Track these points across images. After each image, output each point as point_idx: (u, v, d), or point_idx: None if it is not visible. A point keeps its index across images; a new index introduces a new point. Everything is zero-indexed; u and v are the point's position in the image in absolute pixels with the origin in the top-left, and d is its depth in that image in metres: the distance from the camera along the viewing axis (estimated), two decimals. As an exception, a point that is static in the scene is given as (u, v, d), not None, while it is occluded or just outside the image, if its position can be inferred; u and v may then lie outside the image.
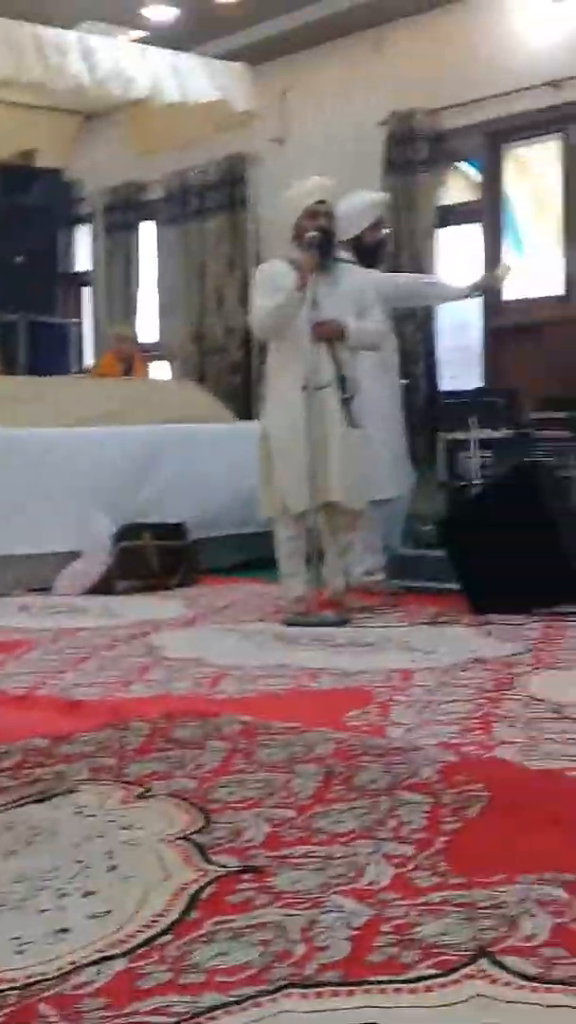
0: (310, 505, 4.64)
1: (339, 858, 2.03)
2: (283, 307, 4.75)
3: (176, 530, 6.03)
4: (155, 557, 5.89)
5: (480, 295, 5.98)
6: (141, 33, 8.27)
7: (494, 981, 1.57)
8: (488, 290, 5.99)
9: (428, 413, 7.64)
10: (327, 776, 2.51)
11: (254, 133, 8.05)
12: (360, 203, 5.40)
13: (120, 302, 10.08)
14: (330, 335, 4.76)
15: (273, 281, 4.87)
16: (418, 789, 2.40)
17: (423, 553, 5.45)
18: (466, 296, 5.75)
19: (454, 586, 4.86)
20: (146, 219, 10.12)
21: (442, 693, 3.33)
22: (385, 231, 5.68)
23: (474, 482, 5.44)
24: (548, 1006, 1.51)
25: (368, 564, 5.35)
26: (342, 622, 4.63)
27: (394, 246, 7.81)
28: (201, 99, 7.39)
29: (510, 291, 7.70)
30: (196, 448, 6.55)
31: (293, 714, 3.08)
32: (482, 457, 5.51)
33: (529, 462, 5.14)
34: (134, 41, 7.82)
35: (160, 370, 9.78)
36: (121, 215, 10.10)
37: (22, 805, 2.37)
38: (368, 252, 5.38)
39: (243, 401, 8.61)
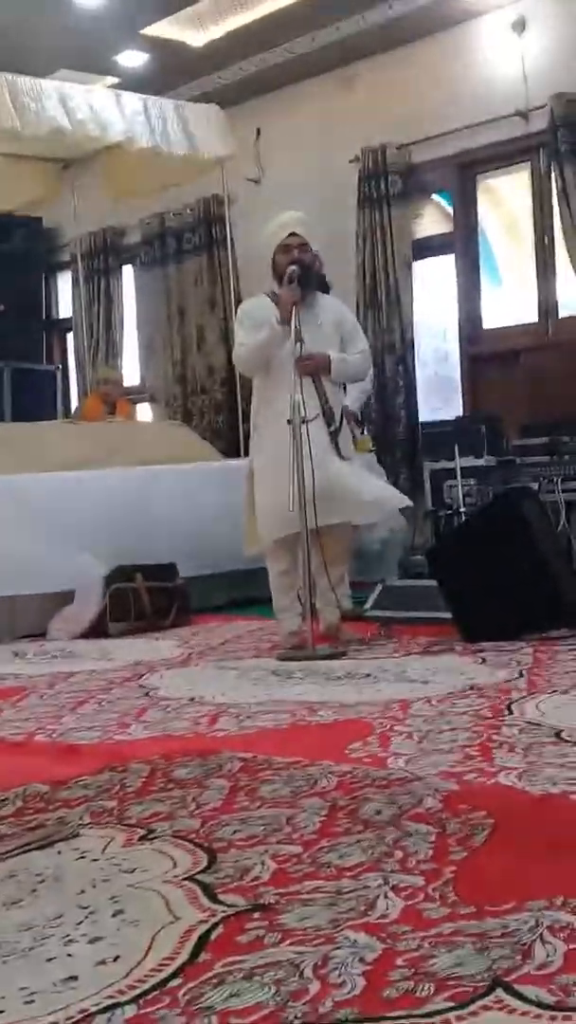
0: (289, 531, 4.63)
1: (348, 892, 2.00)
2: (266, 342, 4.76)
3: (167, 570, 6.03)
4: (147, 598, 5.89)
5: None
6: (114, 80, 8.36)
7: (512, 1011, 1.55)
8: None
9: (410, 443, 7.69)
10: (331, 809, 2.48)
11: (230, 173, 8.12)
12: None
13: (103, 346, 10.12)
14: (315, 370, 4.76)
15: (254, 317, 4.90)
16: (423, 819, 2.37)
17: (413, 583, 5.45)
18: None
19: (445, 615, 4.85)
20: (126, 263, 10.19)
21: (441, 721, 3.32)
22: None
23: (460, 510, 5.45)
24: (567, 1033, 1.49)
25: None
26: (338, 655, 4.62)
27: (371, 280, 7.90)
28: (175, 145, 7.45)
29: (488, 319, 7.76)
30: (185, 487, 6.56)
31: (293, 749, 3.06)
32: (466, 485, 5.51)
33: (513, 488, 5.15)
34: (108, 88, 7.89)
35: (144, 412, 9.81)
36: (101, 260, 10.17)
37: (24, 852, 2.34)
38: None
39: (229, 439, 8.63)
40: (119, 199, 8.73)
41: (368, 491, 4.86)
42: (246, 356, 4.91)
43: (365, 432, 5.77)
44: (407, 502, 5.13)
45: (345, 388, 5.46)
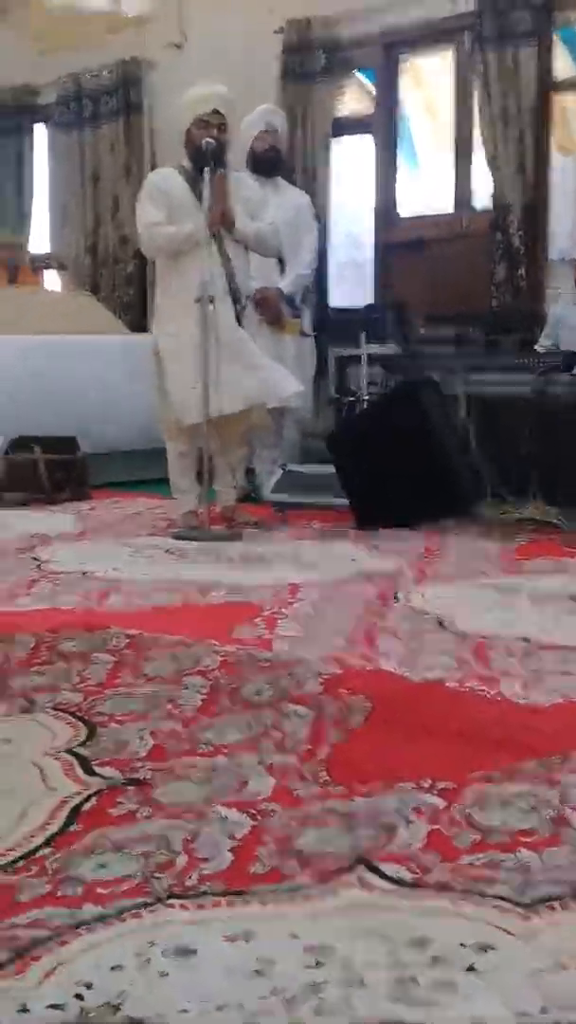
0: (203, 418, 4.60)
1: (223, 769, 2.04)
2: (185, 241, 4.68)
3: (67, 443, 5.95)
4: (45, 470, 5.81)
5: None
6: None
7: (372, 889, 1.60)
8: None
9: (318, 328, 7.62)
10: (213, 689, 2.52)
11: (150, 37, 7.82)
12: (248, 118, 5.31)
13: (11, 209, 9.79)
14: (223, 214, 4.68)
15: (164, 191, 4.80)
16: (302, 701, 2.42)
17: (313, 469, 5.45)
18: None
19: (343, 502, 4.87)
20: (38, 122, 9.81)
21: (328, 607, 3.36)
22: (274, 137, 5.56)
23: (363, 397, 5.44)
24: (423, 910, 1.54)
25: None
26: (233, 537, 4.64)
27: (289, 157, 7.72)
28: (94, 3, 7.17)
29: (404, 206, 7.66)
30: (88, 360, 6.44)
31: (181, 628, 3.07)
32: (371, 373, 5.49)
33: (416, 378, 5.15)
34: None
35: (52, 280, 9.56)
36: (12, 118, 9.76)
37: None
38: (262, 162, 5.30)
39: (137, 313, 8.48)
40: (33, 55, 8.38)
41: (263, 375, 4.81)
42: (162, 245, 4.78)
43: (300, 316, 5.67)
44: (297, 388, 5.07)
45: (282, 270, 5.44)
